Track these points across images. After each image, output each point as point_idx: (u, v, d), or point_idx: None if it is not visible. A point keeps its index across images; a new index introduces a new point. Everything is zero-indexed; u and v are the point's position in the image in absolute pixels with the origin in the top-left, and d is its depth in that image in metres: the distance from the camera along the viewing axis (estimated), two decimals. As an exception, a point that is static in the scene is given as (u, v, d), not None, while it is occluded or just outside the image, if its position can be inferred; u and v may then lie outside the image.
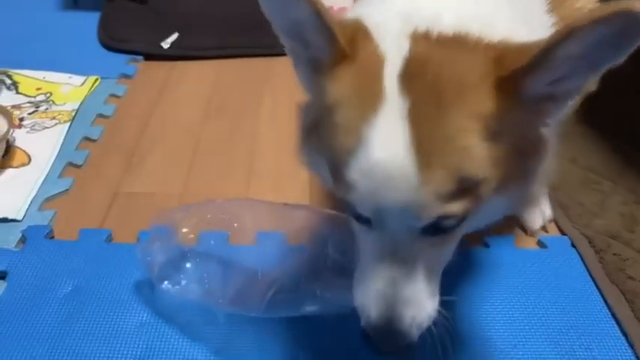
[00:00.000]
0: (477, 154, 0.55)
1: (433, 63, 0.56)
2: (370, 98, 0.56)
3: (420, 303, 0.63)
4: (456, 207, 0.56)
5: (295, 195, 1.21)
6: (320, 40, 0.61)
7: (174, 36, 1.74)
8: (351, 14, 0.69)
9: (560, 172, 1.16)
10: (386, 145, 0.55)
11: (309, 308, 0.87)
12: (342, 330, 0.88)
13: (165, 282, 0.93)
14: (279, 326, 0.91)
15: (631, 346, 0.89)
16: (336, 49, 0.60)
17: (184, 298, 0.92)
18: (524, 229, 1.11)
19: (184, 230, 1.00)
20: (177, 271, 0.94)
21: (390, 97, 0.56)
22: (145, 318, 0.93)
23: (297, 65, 0.69)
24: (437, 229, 0.60)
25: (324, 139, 0.62)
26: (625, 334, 0.91)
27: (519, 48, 0.56)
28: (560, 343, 0.89)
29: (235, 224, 1.05)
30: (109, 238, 1.09)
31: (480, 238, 1.07)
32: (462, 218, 0.59)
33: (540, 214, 1.11)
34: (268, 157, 1.33)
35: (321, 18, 0.58)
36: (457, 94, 0.55)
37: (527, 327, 0.92)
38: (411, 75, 0.56)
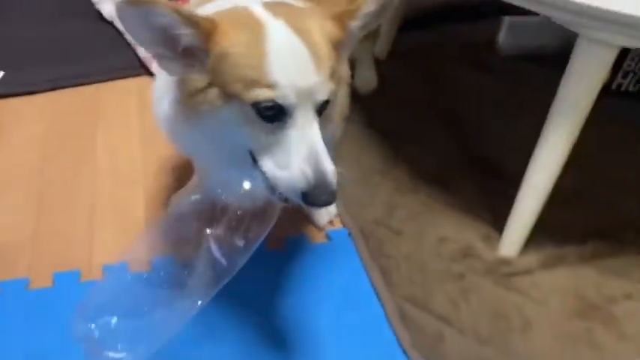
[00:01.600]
0: (332, 54, 0.89)
1: (288, 6, 0.93)
2: (255, 28, 0.86)
3: (330, 159, 0.89)
4: (332, 85, 0.89)
5: (138, 228, 1.46)
6: (187, 31, 0.84)
7: (1, 74, 1.84)
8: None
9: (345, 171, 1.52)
10: (286, 47, 0.85)
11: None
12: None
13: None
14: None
15: (382, 306, 1.29)
16: (203, 29, 0.85)
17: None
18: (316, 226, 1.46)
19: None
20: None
21: (268, 21, 0.86)
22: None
23: (163, 62, 0.90)
24: (322, 108, 0.90)
25: (226, 75, 0.86)
26: (379, 299, 1.30)
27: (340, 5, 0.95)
28: (330, 308, 1.28)
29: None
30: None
31: (280, 239, 1.41)
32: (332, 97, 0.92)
33: (326, 212, 1.46)
34: (108, 191, 1.55)
35: (181, 15, 0.82)
36: (311, 17, 0.90)
37: (307, 301, 1.29)
38: (274, 11, 0.88)
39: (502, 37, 2.08)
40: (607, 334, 1.25)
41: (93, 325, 0.99)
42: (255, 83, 0.84)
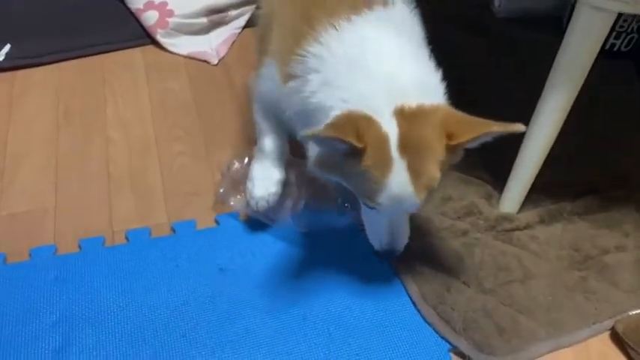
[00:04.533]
0: (438, 179, 1.03)
1: (413, 134, 0.99)
2: (386, 163, 0.99)
3: (404, 235, 1.18)
4: (426, 201, 1.06)
5: (151, 191, 1.52)
6: (341, 146, 0.98)
7: (7, 47, 1.86)
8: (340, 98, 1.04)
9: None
10: (398, 186, 1.01)
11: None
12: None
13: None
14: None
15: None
16: (354, 147, 0.98)
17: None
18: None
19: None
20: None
21: (396, 161, 0.99)
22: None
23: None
24: None
25: (355, 183, 1.07)
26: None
27: (462, 128, 1.00)
28: (341, 264, 1.37)
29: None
30: (4, 261, 1.35)
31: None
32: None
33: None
34: (122, 160, 1.61)
35: (342, 140, 0.95)
36: (430, 153, 1.01)
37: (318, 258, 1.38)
38: (404, 145, 0.99)
39: (497, 0, 2.13)
40: (601, 282, 1.35)
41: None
42: (367, 195, 1.05)
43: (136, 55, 1.94)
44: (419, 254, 1.39)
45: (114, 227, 1.43)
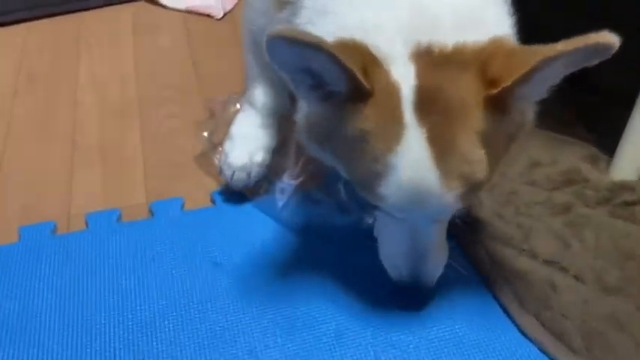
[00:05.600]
0: (481, 162, 0.66)
1: (440, 88, 0.64)
2: (394, 128, 0.64)
3: (436, 261, 0.80)
4: (466, 202, 0.69)
5: (127, 164, 1.13)
6: (339, 80, 0.64)
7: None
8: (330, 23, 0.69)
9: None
10: (412, 168, 0.65)
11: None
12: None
13: None
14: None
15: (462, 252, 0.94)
16: (354, 87, 0.64)
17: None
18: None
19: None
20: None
21: (410, 126, 0.64)
22: None
23: (298, 89, 0.70)
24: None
25: (348, 161, 0.70)
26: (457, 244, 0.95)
27: (508, 66, 0.62)
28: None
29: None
30: None
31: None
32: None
33: None
34: (92, 126, 1.22)
35: (339, 63, 0.60)
36: (462, 115, 0.64)
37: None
38: (423, 103, 0.64)
39: None
40: None
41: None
42: (366, 183, 0.69)
43: (123, 12, 1.58)
44: (505, 238, 0.95)
45: (71, 210, 1.04)
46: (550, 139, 1.14)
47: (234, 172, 1.00)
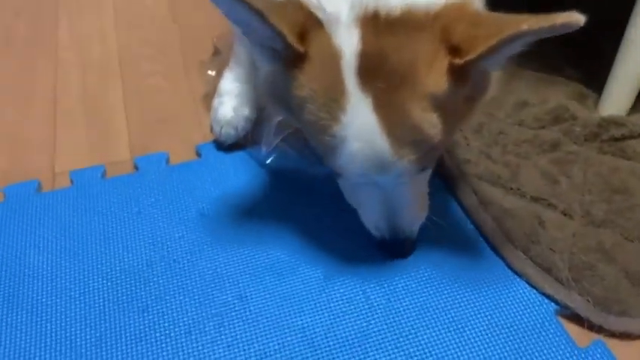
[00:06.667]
0: (435, 127, 0.64)
1: (386, 53, 0.61)
2: (335, 97, 0.62)
3: (414, 215, 0.79)
4: (426, 161, 0.69)
5: (110, 121, 1.11)
6: (274, 41, 0.62)
7: None
8: None
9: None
10: (361, 138, 0.63)
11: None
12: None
13: None
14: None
15: (454, 192, 0.93)
16: (290, 48, 0.61)
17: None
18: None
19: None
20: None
21: (353, 95, 0.62)
22: None
23: (252, 44, 0.69)
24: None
25: (301, 122, 0.68)
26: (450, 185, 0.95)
27: (473, 36, 0.59)
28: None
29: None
30: None
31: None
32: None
33: None
34: (74, 84, 1.20)
35: (266, 21, 0.58)
36: (412, 81, 0.61)
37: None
38: (368, 69, 0.61)
39: None
40: None
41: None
42: (320, 152, 0.69)
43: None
44: (492, 177, 0.95)
45: (56, 168, 1.03)
46: (537, 79, 1.13)
47: (222, 127, 1.00)
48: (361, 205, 0.79)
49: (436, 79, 0.61)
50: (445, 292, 0.82)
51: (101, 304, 0.81)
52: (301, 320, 0.79)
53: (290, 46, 0.61)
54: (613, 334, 0.77)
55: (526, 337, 0.76)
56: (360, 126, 0.62)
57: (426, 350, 0.75)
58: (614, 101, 1.04)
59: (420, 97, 0.62)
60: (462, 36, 0.60)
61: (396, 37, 0.61)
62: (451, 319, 0.79)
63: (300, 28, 0.61)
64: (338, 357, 0.75)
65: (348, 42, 0.61)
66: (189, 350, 0.76)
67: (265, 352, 0.75)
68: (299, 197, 0.94)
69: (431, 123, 0.63)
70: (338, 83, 0.62)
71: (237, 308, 0.80)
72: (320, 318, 0.79)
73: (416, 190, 0.76)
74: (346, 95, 0.62)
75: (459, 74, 0.62)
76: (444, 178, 0.97)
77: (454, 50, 0.61)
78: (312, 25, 0.62)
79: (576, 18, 0.53)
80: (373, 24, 0.61)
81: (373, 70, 0.61)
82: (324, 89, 0.63)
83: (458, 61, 0.61)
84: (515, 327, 0.77)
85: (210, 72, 1.14)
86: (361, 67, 0.61)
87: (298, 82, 0.64)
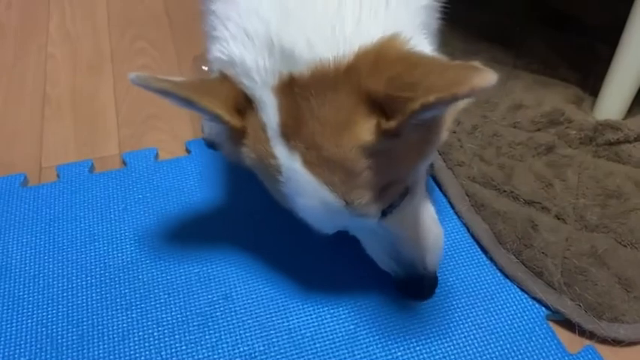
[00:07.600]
0: (378, 172, 0.61)
1: (302, 116, 0.60)
2: (270, 163, 0.64)
3: (423, 248, 0.72)
4: (389, 198, 0.65)
5: (99, 116, 1.09)
6: (214, 119, 0.63)
7: None
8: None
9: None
10: (303, 195, 0.64)
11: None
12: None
13: None
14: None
15: (445, 192, 0.92)
16: (229, 124, 0.63)
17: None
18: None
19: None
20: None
21: (282, 158, 0.63)
22: None
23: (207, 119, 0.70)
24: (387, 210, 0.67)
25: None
26: (440, 183, 0.93)
27: (392, 97, 0.55)
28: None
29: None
30: None
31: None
32: (403, 195, 0.67)
33: None
34: (64, 77, 1.18)
35: (198, 105, 0.60)
36: (336, 134, 0.59)
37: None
38: (290, 134, 0.61)
39: None
40: None
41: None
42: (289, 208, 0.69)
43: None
44: (486, 180, 0.93)
45: (42, 162, 1.01)
46: (534, 82, 1.11)
47: (211, 126, 0.99)
48: (367, 247, 0.76)
49: (360, 134, 0.59)
50: (434, 295, 0.80)
51: (85, 301, 0.80)
52: (288, 322, 0.77)
53: (228, 122, 0.63)
54: (604, 341, 0.76)
55: (516, 342, 0.75)
56: (297, 184, 0.63)
57: (414, 354, 0.74)
58: (610, 105, 1.02)
59: (348, 147, 0.59)
60: (381, 95, 0.56)
61: (310, 99, 0.60)
62: (440, 323, 0.77)
63: (236, 104, 0.63)
64: (325, 359, 0.73)
65: (269, 112, 0.63)
66: (173, 350, 0.74)
67: (251, 354, 0.74)
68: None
69: (362, 169, 0.61)
70: (270, 150, 0.63)
71: (222, 308, 0.79)
72: (307, 320, 0.77)
73: (409, 221, 0.71)
74: (278, 159, 0.63)
75: (388, 130, 0.57)
76: (436, 179, 0.96)
77: (378, 107, 0.58)
78: (242, 102, 0.64)
79: (487, 79, 0.49)
80: (289, 90, 0.61)
81: (295, 133, 0.61)
82: (263, 156, 0.64)
83: (384, 123, 0.57)
84: (506, 331, 0.76)
85: (203, 67, 1.12)
86: (284, 133, 0.62)
87: (242, 153, 0.67)
